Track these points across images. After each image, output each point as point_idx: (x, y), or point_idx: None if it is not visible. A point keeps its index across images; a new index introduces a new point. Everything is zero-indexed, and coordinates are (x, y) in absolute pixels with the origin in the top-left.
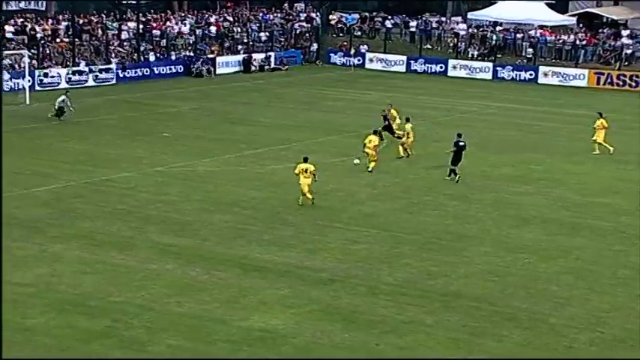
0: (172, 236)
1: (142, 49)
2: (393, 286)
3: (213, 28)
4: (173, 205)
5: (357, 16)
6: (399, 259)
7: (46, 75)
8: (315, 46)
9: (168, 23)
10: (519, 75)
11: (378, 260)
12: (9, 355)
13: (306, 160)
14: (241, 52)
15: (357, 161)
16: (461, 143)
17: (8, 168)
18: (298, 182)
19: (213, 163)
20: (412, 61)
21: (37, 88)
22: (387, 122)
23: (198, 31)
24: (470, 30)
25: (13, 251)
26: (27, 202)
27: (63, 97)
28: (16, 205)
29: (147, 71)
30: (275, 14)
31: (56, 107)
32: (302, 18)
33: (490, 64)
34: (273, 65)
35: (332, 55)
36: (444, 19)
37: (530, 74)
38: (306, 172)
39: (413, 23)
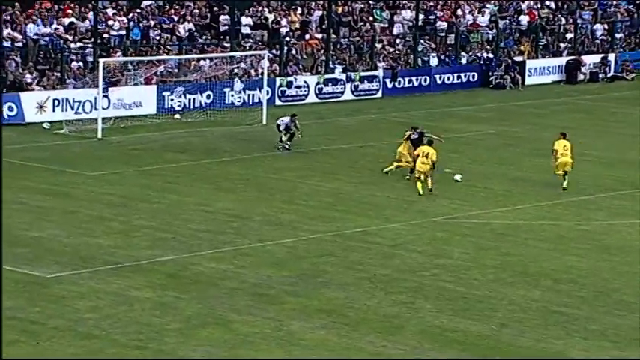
0: (454, 317)
1: (420, 48)
2: None
3: (524, 18)
4: (456, 273)
5: None
6: None
7: (289, 85)
8: None
9: (458, 12)
10: None
11: None
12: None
13: (430, 144)
14: (564, 53)
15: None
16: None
17: (233, 210)
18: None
19: (515, 214)
20: None
21: (277, 102)
22: None
23: (501, 23)
24: None
25: (236, 327)
26: (257, 259)
27: (287, 119)
28: (242, 264)
29: (426, 80)
30: None
31: (282, 129)
32: None
33: None
34: (612, 72)
35: None
36: None
37: None
38: (426, 157)
39: None
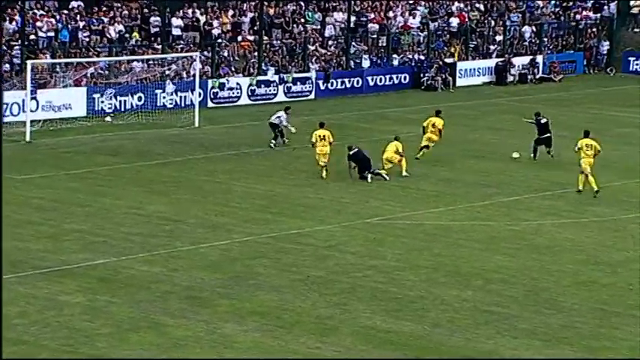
0: (388, 318)
1: (352, 50)
2: None
3: (454, 20)
4: (389, 274)
5: None
6: None
7: (222, 86)
8: (605, 46)
9: (390, 14)
10: None
11: None
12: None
13: (322, 126)
14: (494, 54)
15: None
16: (542, 121)
17: (166, 213)
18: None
19: (446, 215)
20: None
21: (210, 104)
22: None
23: (432, 25)
24: None
25: (169, 330)
26: (190, 262)
27: (281, 113)
28: (175, 267)
29: (358, 82)
30: (547, 1)
31: (284, 124)
32: (587, 5)
33: None
34: (540, 74)
35: (631, 59)
36: None
37: None
38: (323, 139)
39: None
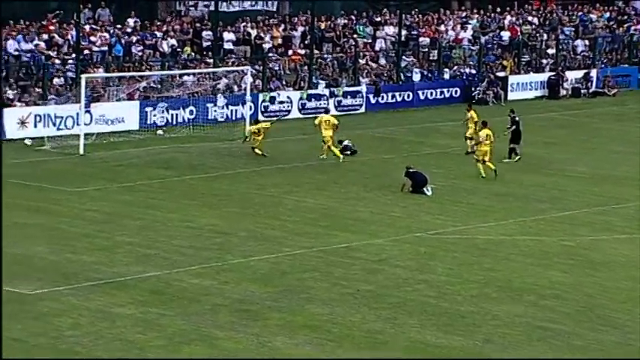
0: (438, 332)
1: (403, 64)
2: None
3: (505, 34)
4: (440, 289)
5: None
6: None
7: (272, 100)
8: None
9: (441, 28)
10: None
11: None
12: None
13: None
14: (547, 68)
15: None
16: (517, 119)
17: (217, 226)
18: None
19: (498, 230)
20: None
21: (260, 117)
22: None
23: (484, 39)
24: None
25: (219, 343)
26: (240, 275)
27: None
28: (226, 280)
29: (409, 96)
30: (600, 14)
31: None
32: None
33: None
34: (594, 88)
35: None
36: None
37: None
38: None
39: None
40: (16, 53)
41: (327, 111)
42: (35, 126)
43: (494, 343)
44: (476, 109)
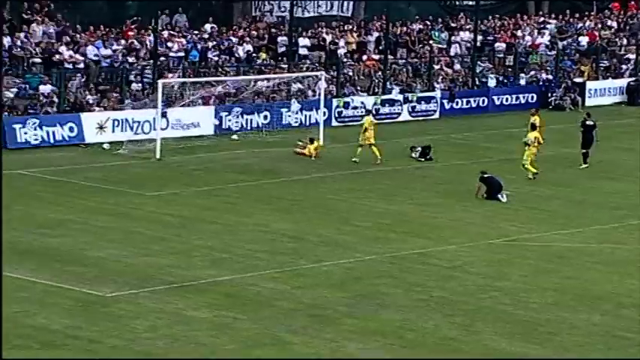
0: (514, 341)
1: (478, 70)
2: None
3: (584, 39)
4: (515, 295)
5: None
6: None
7: (346, 105)
8: None
9: (518, 33)
10: None
11: None
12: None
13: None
14: (626, 74)
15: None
16: (588, 123)
17: (290, 231)
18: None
19: (575, 237)
20: None
21: (334, 123)
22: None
23: (561, 44)
24: None
25: (293, 347)
26: (314, 280)
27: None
28: (299, 284)
29: (484, 101)
30: None
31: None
32: None
33: None
34: None
35: None
36: None
37: None
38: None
39: None
40: (96, 58)
41: (369, 112)
42: (113, 130)
43: (572, 351)
44: (541, 114)
